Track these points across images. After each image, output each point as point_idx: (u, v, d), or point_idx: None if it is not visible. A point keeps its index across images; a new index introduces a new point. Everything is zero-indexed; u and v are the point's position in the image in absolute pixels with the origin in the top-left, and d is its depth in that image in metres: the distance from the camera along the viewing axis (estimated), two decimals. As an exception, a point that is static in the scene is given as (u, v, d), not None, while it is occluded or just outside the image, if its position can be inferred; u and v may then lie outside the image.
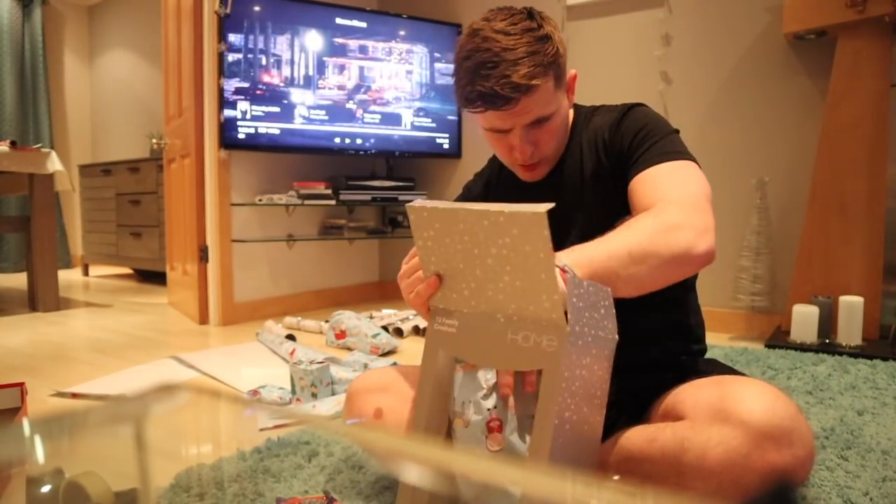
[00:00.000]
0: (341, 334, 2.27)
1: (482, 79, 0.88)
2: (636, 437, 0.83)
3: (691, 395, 0.82)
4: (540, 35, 0.89)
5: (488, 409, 0.76)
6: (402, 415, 0.99)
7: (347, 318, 2.30)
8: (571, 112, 1.05)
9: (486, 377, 0.79)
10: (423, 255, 0.75)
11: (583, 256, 0.75)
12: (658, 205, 0.83)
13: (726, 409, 0.74)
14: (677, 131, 0.97)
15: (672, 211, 0.81)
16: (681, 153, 0.91)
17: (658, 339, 0.99)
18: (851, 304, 2.00)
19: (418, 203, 0.73)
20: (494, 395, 0.76)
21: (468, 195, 1.17)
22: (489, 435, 0.75)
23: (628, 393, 0.94)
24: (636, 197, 0.90)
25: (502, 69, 0.87)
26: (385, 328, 2.44)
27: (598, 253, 0.76)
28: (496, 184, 1.13)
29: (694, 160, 0.91)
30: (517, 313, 0.70)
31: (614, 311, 0.74)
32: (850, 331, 2.00)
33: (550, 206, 0.63)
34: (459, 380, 0.78)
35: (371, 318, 2.62)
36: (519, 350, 0.69)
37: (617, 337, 0.75)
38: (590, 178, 1.00)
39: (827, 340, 2.06)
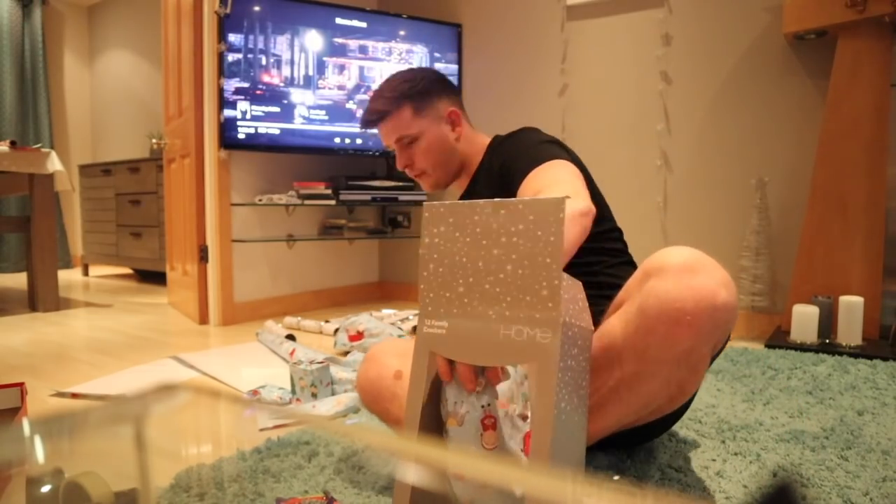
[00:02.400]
0: (357, 336, 2.22)
1: (362, 110, 1.29)
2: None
3: (621, 290, 0.93)
4: (402, 80, 1.22)
5: (482, 406, 0.75)
6: None
7: (365, 319, 2.27)
8: (487, 139, 1.30)
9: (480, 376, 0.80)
10: (426, 252, 0.77)
11: None
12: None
13: (646, 272, 0.85)
14: (551, 140, 1.14)
15: (550, 187, 0.99)
16: (546, 157, 1.07)
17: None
18: (851, 304, 2.00)
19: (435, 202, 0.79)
20: (488, 393, 0.76)
21: None
22: (484, 432, 0.75)
23: None
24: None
25: (370, 102, 1.24)
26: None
27: None
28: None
29: (560, 156, 1.08)
30: (510, 307, 0.71)
31: (587, 303, 0.80)
32: (850, 331, 2.00)
33: (568, 196, 0.74)
34: (451, 383, 0.77)
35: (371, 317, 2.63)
36: (512, 344, 0.70)
37: (593, 328, 0.80)
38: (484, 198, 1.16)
39: (827, 340, 2.06)
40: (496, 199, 0.74)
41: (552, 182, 1.01)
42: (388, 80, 1.23)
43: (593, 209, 0.95)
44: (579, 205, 0.91)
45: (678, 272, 0.80)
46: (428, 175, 1.26)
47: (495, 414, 0.76)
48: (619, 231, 1.24)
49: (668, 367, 0.84)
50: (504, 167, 1.14)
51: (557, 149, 1.12)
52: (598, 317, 0.95)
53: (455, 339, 0.74)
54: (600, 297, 1.03)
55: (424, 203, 0.80)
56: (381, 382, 1.05)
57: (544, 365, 0.68)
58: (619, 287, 1.07)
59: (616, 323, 0.88)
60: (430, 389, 0.76)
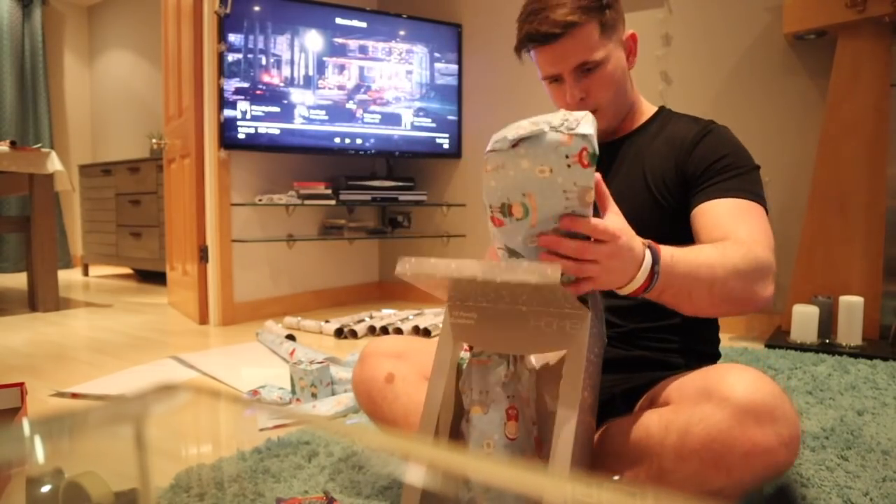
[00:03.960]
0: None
1: (529, 22, 0.97)
2: (621, 426, 0.84)
3: (677, 383, 0.83)
4: None
5: (508, 397, 0.76)
6: (413, 383, 1.01)
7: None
8: (654, 107, 1.10)
9: (505, 367, 0.81)
10: (434, 282, 0.75)
11: (678, 260, 0.75)
12: (742, 239, 0.84)
13: (708, 389, 0.74)
14: (758, 167, 0.97)
15: (759, 252, 0.83)
16: (756, 194, 0.92)
17: (662, 339, 0.99)
18: (851, 304, 2.00)
19: (409, 268, 0.71)
20: (514, 384, 0.77)
21: None
22: (507, 422, 0.76)
23: (621, 391, 0.95)
24: (703, 222, 0.90)
25: (546, 12, 0.94)
26: (385, 328, 2.44)
27: (683, 277, 0.76)
28: None
29: (765, 204, 0.93)
30: (540, 305, 0.73)
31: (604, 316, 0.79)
32: (850, 331, 2.00)
33: (559, 270, 0.62)
34: (476, 372, 0.79)
35: (371, 317, 2.63)
36: (542, 334, 0.72)
37: (606, 339, 0.79)
38: (652, 179, 1.00)
39: (827, 340, 2.06)
40: (481, 277, 0.66)
41: (759, 237, 0.86)
42: None
43: (770, 300, 0.83)
44: (765, 291, 0.81)
45: (741, 412, 0.69)
46: (602, 112, 1.01)
47: (519, 406, 0.76)
48: None
49: (686, 494, 0.75)
50: (700, 160, 0.96)
51: (760, 184, 0.97)
52: (657, 370, 0.93)
53: (484, 328, 0.76)
54: (669, 350, 0.98)
55: (397, 272, 0.72)
56: (372, 384, 1.03)
57: (572, 353, 0.70)
58: (689, 350, 1.00)
59: (655, 424, 0.78)
60: (452, 379, 0.78)
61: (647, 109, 1.10)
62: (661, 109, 1.11)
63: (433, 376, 0.78)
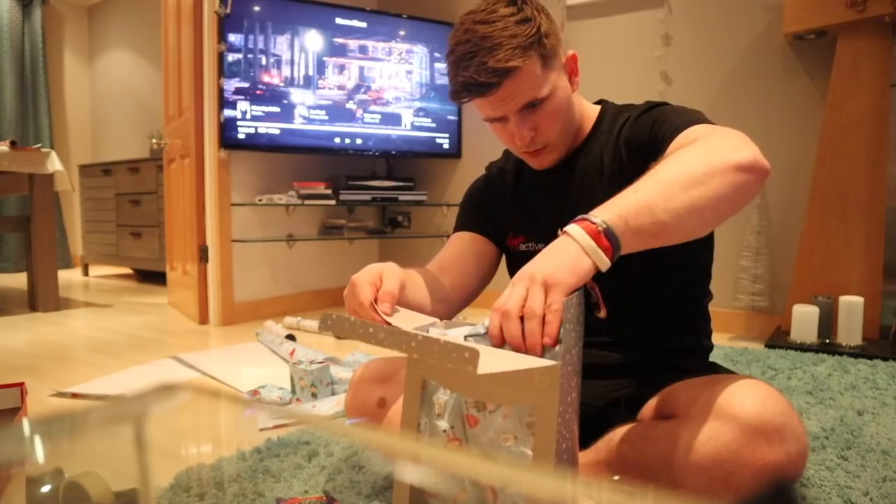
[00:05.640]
0: None
1: (463, 69, 0.87)
2: (628, 435, 0.83)
3: (684, 392, 0.81)
4: (518, 19, 0.87)
5: (444, 431, 0.71)
6: None
7: None
8: (597, 108, 1.04)
9: (438, 395, 0.74)
10: (370, 343, 0.69)
11: (618, 214, 0.69)
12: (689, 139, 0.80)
13: (717, 405, 0.72)
14: (700, 112, 0.92)
15: (704, 137, 0.77)
16: (702, 120, 0.86)
17: (657, 339, 0.99)
18: (851, 304, 2.00)
19: (331, 325, 0.68)
20: (447, 415, 0.72)
21: (483, 187, 1.14)
22: None
23: (625, 395, 0.94)
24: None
25: (480, 57, 0.85)
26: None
27: (632, 204, 0.69)
28: (516, 173, 1.10)
29: (712, 122, 0.87)
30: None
31: (583, 317, 0.71)
32: (850, 331, 2.00)
33: (478, 353, 0.56)
34: (424, 399, 0.74)
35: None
36: (506, 382, 0.65)
37: (583, 342, 0.72)
38: (609, 176, 0.95)
39: (827, 340, 2.06)
40: (399, 346, 0.62)
41: (709, 132, 0.79)
42: (493, 21, 0.86)
43: (760, 161, 0.72)
44: (739, 153, 0.71)
45: (751, 431, 0.69)
46: (552, 147, 0.96)
47: (461, 437, 0.71)
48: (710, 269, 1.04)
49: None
50: (641, 132, 0.91)
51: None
52: (652, 372, 0.92)
53: (449, 369, 0.68)
54: (665, 349, 0.97)
55: (320, 328, 0.68)
56: (365, 411, 1.02)
57: (542, 409, 0.63)
58: (684, 346, 0.99)
59: (663, 438, 0.77)
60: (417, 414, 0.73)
61: (591, 111, 1.04)
62: (604, 106, 1.04)
63: (404, 416, 0.72)
